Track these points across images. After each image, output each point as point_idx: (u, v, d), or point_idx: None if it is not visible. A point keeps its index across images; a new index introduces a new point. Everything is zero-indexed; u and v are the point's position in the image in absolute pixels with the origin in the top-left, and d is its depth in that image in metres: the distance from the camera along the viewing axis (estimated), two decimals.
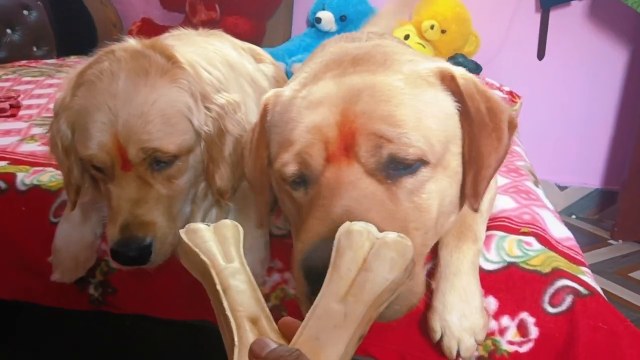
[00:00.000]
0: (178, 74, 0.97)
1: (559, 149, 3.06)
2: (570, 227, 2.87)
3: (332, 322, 0.52)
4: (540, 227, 1.09)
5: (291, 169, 0.80)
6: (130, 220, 0.93)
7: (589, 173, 3.11)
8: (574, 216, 3.10)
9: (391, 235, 0.57)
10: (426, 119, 0.79)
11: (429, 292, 0.93)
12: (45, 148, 1.46)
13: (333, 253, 0.57)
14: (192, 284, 1.10)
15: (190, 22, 3.28)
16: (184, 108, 0.97)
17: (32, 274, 1.20)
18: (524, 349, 0.96)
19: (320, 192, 0.76)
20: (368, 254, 0.55)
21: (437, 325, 0.91)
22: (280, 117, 0.87)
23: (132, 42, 1.02)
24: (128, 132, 0.92)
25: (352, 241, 0.56)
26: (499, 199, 1.17)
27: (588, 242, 2.79)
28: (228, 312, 0.56)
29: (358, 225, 0.58)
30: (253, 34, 3.37)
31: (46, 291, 1.18)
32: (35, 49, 3.40)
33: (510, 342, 0.96)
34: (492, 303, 0.98)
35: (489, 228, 1.06)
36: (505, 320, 0.97)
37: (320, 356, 0.50)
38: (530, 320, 0.96)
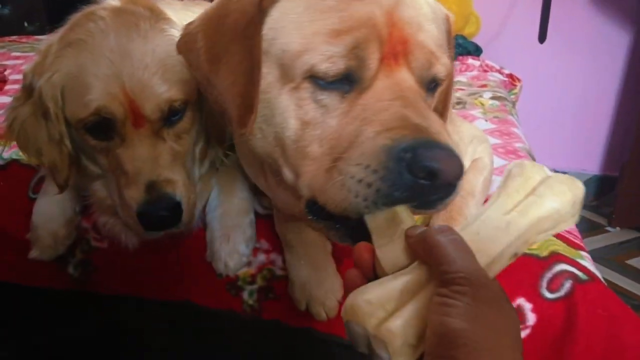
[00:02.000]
0: (167, 24, 0.94)
1: (557, 133, 3.03)
2: None
3: (494, 224, 0.54)
4: None
5: (340, 65, 0.65)
6: (155, 179, 0.87)
7: (587, 159, 3.09)
8: None
9: (562, 175, 0.58)
10: (444, 45, 0.75)
11: None
12: None
13: (503, 177, 0.58)
14: (175, 263, 1.08)
15: None
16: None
17: (12, 251, 1.16)
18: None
19: (379, 95, 0.65)
20: (538, 183, 0.56)
21: None
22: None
23: (109, 1, 0.96)
24: (139, 86, 0.86)
25: (524, 170, 0.57)
26: (495, 180, 1.12)
27: (586, 228, 2.77)
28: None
29: (529, 162, 0.59)
30: None
31: (27, 269, 1.14)
32: (26, 24, 3.33)
33: None
34: None
35: None
36: None
37: (476, 247, 0.53)
38: (527, 306, 0.93)
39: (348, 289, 0.58)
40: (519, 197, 0.56)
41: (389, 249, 0.57)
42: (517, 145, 1.44)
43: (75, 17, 0.94)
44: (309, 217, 0.69)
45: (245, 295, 1.04)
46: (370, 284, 0.54)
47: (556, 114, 3.02)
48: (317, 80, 0.66)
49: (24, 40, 2.97)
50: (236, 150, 0.94)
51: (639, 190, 2.72)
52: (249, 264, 1.03)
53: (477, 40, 2.83)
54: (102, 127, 0.88)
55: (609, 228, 2.80)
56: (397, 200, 0.59)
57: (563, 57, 2.93)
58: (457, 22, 2.92)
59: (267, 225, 1.04)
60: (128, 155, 0.87)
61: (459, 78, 2.46)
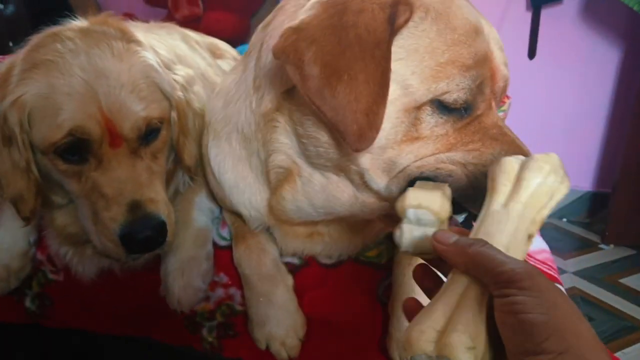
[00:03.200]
0: (138, 45, 0.91)
1: (549, 150, 2.95)
2: (561, 230, 2.82)
3: (496, 219, 0.58)
4: None
5: (467, 97, 0.72)
6: (139, 198, 0.83)
7: (579, 175, 3.04)
8: (564, 219, 3.03)
9: (536, 154, 0.62)
10: None
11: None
12: None
13: (488, 180, 0.62)
14: (134, 298, 1.03)
15: (172, 17, 3.19)
16: (154, 75, 0.90)
17: None
18: None
19: (489, 123, 0.76)
20: (518, 171, 0.60)
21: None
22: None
23: (75, 23, 0.92)
24: (116, 105, 0.83)
25: (503, 166, 0.60)
26: None
27: (578, 246, 2.72)
28: None
29: (506, 157, 0.62)
30: (237, 30, 3.28)
31: None
32: (11, 43, 3.30)
33: None
34: None
35: None
36: None
37: (492, 240, 0.56)
38: None
39: (408, 318, 0.61)
40: (508, 189, 0.59)
41: None
42: None
43: (36, 38, 0.90)
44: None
45: (204, 331, 0.99)
46: (417, 315, 0.57)
47: (547, 131, 2.98)
48: (443, 104, 0.71)
49: (6, 59, 2.94)
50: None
51: (633, 207, 2.68)
52: (206, 298, 0.98)
53: None
54: (75, 150, 0.83)
55: (602, 245, 2.75)
56: None
57: (553, 73, 2.90)
58: None
59: (226, 258, 0.99)
60: (107, 177, 0.83)
61: None
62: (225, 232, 1.03)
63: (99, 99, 0.82)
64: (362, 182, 0.77)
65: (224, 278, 0.99)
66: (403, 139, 0.72)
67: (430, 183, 0.68)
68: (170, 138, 0.94)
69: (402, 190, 0.67)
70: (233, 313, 0.99)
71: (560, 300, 0.50)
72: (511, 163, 0.61)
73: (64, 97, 0.81)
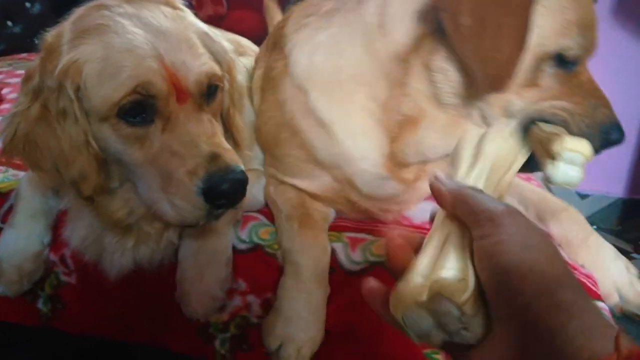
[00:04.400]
0: (183, 12, 0.86)
1: None
2: None
3: None
4: None
5: (579, 54, 0.84)
6: (216, 150, 0.77)
7: (611, 181, 2.95)
8: (595, 227, 2.89)
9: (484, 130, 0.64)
10: None
11: None
12: None
13: (452, 154, 0.63)
14: (144, 305, 0.99)
15: (196, 16, 3.18)
16: (206, 37, 0.85)
17: None
18: None
19: (588, 77, 0.88)
20: (478, 141, 0.62)
21: None
22: None
23: None
24: (178, 59, 0.77)
25: (465, 137, 0.63)
26: None
27: None
28: None
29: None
30: (260, 29, 3.25)
31: None
32: (37, 41, 3.33)
33: None
34: None
35: None
36: None
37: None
38: None
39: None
40: (469, 160, 0.60)
41: None
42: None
43: (79, 11, 0.84)
44: None
45: (217, 343, 0.95)
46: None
47: None
48: (561, 58, 0.82)
49: (32, 57, 2.95)
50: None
51: None
52: (222, 308, 0.93)
53: None
54: (140, 110, 0.77)
55: (635, 255, 2.65)
56: None
57: None
58: None
59: (245, 263, 0.95)
60: (177, 134, 0.77)
61: None
62: (244, 235, 0.98)
63: (160, 53, 0.76)
64: (481, 119, 0.86)
65: (242, 285, 0.95)
66: (524, 84, 0.83)
67: (550, 126, 0.78)
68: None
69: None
70: (248, 325, 0.94)
71: (539, 241, 0.49)
72: (472, 133, 0.62)
73: (124, 55, 0.75)
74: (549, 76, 0.83)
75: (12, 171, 1.18)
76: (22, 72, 2.51)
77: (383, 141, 0.94)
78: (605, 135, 0.85)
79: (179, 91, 0.77)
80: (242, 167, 0.78)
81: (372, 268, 0.92)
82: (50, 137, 0.79)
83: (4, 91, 2.04)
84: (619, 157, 2.92)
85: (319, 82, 0.96)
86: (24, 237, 1.00)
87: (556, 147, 0.72)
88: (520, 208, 1.08)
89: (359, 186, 0.98)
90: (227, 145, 0.81)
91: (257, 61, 1.18)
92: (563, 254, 1.02)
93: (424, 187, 1.00)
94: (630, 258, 2.61)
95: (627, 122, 2.91)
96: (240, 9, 3.39)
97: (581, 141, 0.71)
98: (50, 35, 0.82)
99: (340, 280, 0.92)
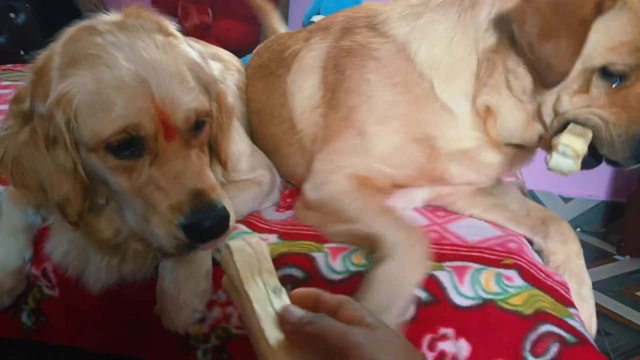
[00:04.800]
0: (175, 38, 0.87)
1: None
2: None
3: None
4: (525, 259, 0.97)
5: (626, 71, 0.96)
6: (200, 187, 0.78)
7: (594, 184, 2.97)
8: (578, 229, 2.96)
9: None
10: None
11: None
12: None
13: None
14: (125, 317, 1.00)
15: (182, 26, 3.19)
16: (196, 67, 0.86)
17: None
18: None
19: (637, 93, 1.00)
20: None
21: None
22: None
23: (107, 16, 0.87)
24: (169, 96, 0.78)
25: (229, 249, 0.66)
26: (482, 227, 1.09)
27: (593, 257, 2.65)
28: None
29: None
30: (247, 39, 3.27)
31: None
32: (22, 52, 3.32)
33: None
34: (464, 348, 0.86)
35: (464, 258, 0.94)
36: None
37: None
38: None
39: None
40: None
41: None
42: (508, 179, 1.36)
43: (70, 32, 0.84)
44: None
45: (199, 354, 0.96)
46: None
47: None
48: (606, 71, 0.96)
49: (18, 68, 2.95)
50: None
51: None
52: (201, 321, 0.94)
53: None
54: (128, 145, 0.78)
55: (618, 257, 2.68)
56: None
57: None
58: None
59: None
60: (164, 170, 0.79)
61: None
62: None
63: (151, 91, 0.77)
64: (537, 115, 1.03)
65: (222, 296, 0.95)
66: (575, 91, 0.98)
67: (579, 127, 0.97)
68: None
69: (557, 128, 1.00)
70: (228, 336, 0.95)
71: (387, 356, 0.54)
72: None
73: (115, 92, 0.76)
74: (597, 86, 0.97)
75: None
76: (7, 82, 2.50)
77: (477, 122, 1.08)
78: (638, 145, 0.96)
79: (167, 128, 0.78)
80: (226, 203, 0.80)
81: (353, 278, 0.93)
82: (38, 161, 0.81)
83: None
84: None
85: (441, 73, 1.08)
86: (4, 253, 1.00)
87: (555, 140, 0.93)
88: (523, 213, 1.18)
89: (462, 167, 1.10)
90: (213, 181, 0.82)
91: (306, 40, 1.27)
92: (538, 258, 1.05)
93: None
94: (613, 260, 2.64)
95: None
96: (226, 19, 3.41)
97: (576, 138, 0.92)
98: (40, 58, 0.83)
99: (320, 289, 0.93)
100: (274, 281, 0.64)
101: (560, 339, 0.84)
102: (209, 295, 0.94)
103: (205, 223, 0.77)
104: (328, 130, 1.15)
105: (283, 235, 1.01)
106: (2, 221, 1.01)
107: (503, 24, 1.02)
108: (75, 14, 3.07)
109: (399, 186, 1.11)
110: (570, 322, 0.86)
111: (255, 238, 0.67)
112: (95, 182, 0.84)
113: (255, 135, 1.37)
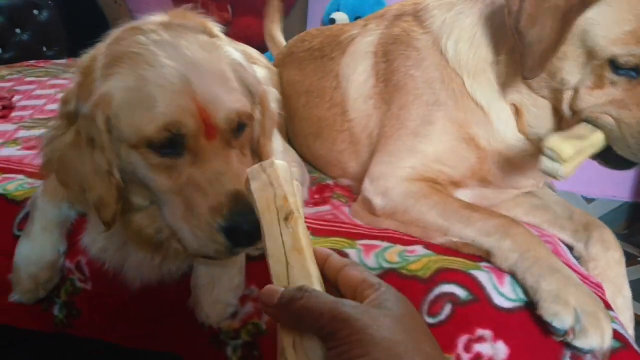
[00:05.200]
0: (219, 40, 0.87)
1: (588, 160, 2.90)
2: None
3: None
4: (561, 260, 0.93)
5: (635, 62, 0.91)
6: (240, 189, 0.75)
7: (618, 185, 2.95)
8: None
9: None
10: None
11: None
12: (26, 153, 1.38)
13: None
14: (158, 312, 1.01)
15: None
16: (240, 69, 0.86)
17: None
18: None
19: None
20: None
21: None
22: None
23: (153, 18, 0.87)
24: (211, 95, 0.78)
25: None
26: None
27: None
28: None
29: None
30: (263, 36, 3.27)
31: (9, 309, 1.07)
32: (45, 49, 3.36)
33: None
34: (501, 350, 0.84)
35: None
36: None
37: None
38: None
39: None
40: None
41: None
42: None
43: (116, 33, 0.85)
44: None
45: (229, 350, 0.96)
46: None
47: None
48: (615, 64, 0.91)
49: (41, 64, 2.98)
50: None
51: None
52: (234, 315, 0.94)
53: None
54: (169, 144, 0.78)
55: None
56: None
57: None
58: None
59: (259, 270, 0.95)
60: (204, 170, 0.78)
61: None
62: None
63: (193, 89, 0.76)
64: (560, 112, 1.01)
65: (255, 291, 0.96)
66: (590, 87, 0.94)
67: (589, 127, 0.96)
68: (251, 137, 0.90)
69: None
70: (259, 332, 0.95)
71: (386, 334, 0.49)
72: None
73: (157, 89, 0.76)
74: (611, 82, 0.93)
75: (27, 180, 1.20)
76: (31, 79, 2.53)
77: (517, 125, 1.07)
78: None
79: (209, 128, 0.78)
80: None
81: (386, 275, 0.92)
82: (80, 162, 0.82)
83: (15, 99, 2.06)
84: None
85: (469, 70, 1.07)
86: (40, 247, 1.01)
87: (544, 143, 0.90)
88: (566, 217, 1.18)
89: (505, 169, 1.09)
90: None
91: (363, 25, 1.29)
92: (572, 259, 1.04)
93: None
94: (637, 262, 2.61)
95: None
96: (246, 16, 3.41)
97: (564, 141, 0.89)
98: (87, 57, 0.84)
99: None
100: (287, 207, 0.60)
101: (453, 298, 0.86)
102: (242, 290, 0.94)
103: (245, 227, 0.74)
104: (383, 129, 1.15)
105: (315, 232, 1.01)
106: (37, 216, 1.02)
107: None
108: (97, 11, 3.11)
109: (456, 184, 1.11)
110: (475, 273, 0.90)
111: (269, 161, 0.64)
112: (135, 183, 0.84)
113: (296, 117, 1.38)
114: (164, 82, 0.76)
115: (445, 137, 1.08)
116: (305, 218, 1.06)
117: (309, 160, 1.41)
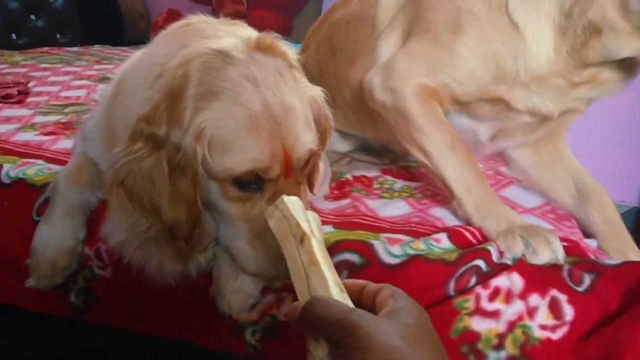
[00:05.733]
0: (297, 71, 0.89)
1: (593, 162, 2.87)
2: None
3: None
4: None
5: None
6: None
7: (626, 189, 2.93)
8: None
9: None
10: None
11: None
12: (44, 139, 1.39)
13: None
14: (178, 300, 1.01)
15: (216, 14, 3.20)
16: (316, 107, 0.91)
17: (14, 274, 1.10)
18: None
19: None
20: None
21: None
22: None
23: (241, 41, 0.86)
24: (293, 139, 0.82)
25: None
26: None
27: None
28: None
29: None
30: (280, 29, 3.26)
31: (25, 293, 1.07)
32: (59, 35, 3.37)
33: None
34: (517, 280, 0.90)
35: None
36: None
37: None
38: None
39: None
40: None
41: None
42: None
43: (203, 52, 0.82)
44: None
45: (247, 334, 0.97)
46: None
47: (590, 143, 2.87)
48: None
49: (54, 51, 2.99)
50: None
51: None
52: (253, 306, 0.94)
53: None
54: (251, 182, 0.82)
55: None
56: None
57: None
58: None
59: None
60: None
61: None
62: None
63: (281, 134, 0.80)
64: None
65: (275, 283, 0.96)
66: None
67: None
68: None
69: None
70: (277, 322, 0.95)
71: (386, 341, 0.52)
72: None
73: (248, 132, 0.79)
74: None
75: (47, 165, 1.21)
76: (45, 65, 2.53)
77: (559, 44, 1.03)
78: None
79: (288, 168, 0.82)
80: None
81: (411, 260, 0.91)
82: (161, 186, 0.81)
83: (30, 84, 2.07)
84: (633, 165, 2.90)
85: None
86: (59, 233, 1.01)
87: None
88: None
89: (526, 90, 1.08)
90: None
91: None
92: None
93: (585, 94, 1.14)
94: None
95: None
96: (260, 8, 3.41)
97: None
98: (172, 75, 0.82)
99: (377, 273, 0.93)
100: (300, 231, 0.66)
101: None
102: (264, 281, 0.94)
103: None
104: (407, 25, 1.15)
105: (338, 225, 1.01)
106: (58, 200, 1.02)
107: None
108: (112, 1, 3.10)
109: (457, 103, 1.11)
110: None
111: (280, 199, 0.71)
112: (208, 202, 0.86)
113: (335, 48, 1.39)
114: (256, 127, 0.79)
115: (464, 50, 1.06)
116: (326, 213, 1.07)
117: (347, 100, 1.38)
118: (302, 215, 0.69)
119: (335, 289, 0.62)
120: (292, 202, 0.70)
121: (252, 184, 0.82)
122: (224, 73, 0.80)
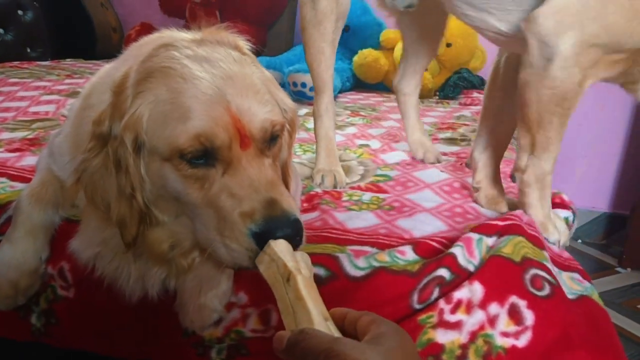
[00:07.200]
0: (251, 56, 0.87)
1: (566, 169, 2.94)
2: (576, 252, 2.77)
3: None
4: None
5: None
6: (273, 196, 0.77)
7: (597, 196, 3.00)
8: (579, 241, 2.98)
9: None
10: None
11: None
12: (9, 155, 1.36)
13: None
14: (142, 319, 0.99)
15: (189, 27, 3.20)
16: (271, 86, 0.87)
17: None
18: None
19: None
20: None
21: None
22: None
23: (185, 35, 0.88)
24: (244, 105, 0.78)
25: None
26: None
27: (594, 268, 2.67)
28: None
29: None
30: (254, 42, 3.26)
31: None
32: (29, 50, 3.32)
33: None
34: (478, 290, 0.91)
35: None
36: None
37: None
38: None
39: None
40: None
41: None
42: None
43: (147, 49, 0.84)
44: None
45: (213, 353, 0.95)
46: None
47: (566, 151, 2.94)
48: None
49: (25, 65, 2.96)
50: None
51: None
52: (218, 322, 0.93)
53: (483, 73, 2.78)
54: (202, 155, 0.78)
55: (619, 269, 2.69)
56: None
57: None
58: (462, 55, 2.89)
59: (247, 277, 0.94)
60: (238, 178, 0.78)
61: (463, 112, 2.40)
62: None
63: (227, 100, 0.76)
64: None
65: (243, 298, 0.95)
66: None
67: None
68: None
69: None
70: (243, 338, 0.95)
71: None
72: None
73: (189, 101, 0.76)
74: None
75: (10, 182, 1.19)
76: (14, 80, 2.49)
77: None
78: None
79: (243, 137, 0.78)
80: (298, 214, 0.79)
81: (376, 272, 0.92)
82: (106, 182, 0.82)
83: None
84: (604, 172, 2.97)
85: None
86: (22, 253, 0.99)
87: None
88: None
89: None
90: (285, 191, 0.81)
91: None
92: None
93: None
94: (614, 272, 2.65)
95: (613, 140, 2.95)
96: (233, 22, 3.42)
97: None
98: (119, 76, 0.83)
99: (343, 286, 0.93)
100: (286, 271, 0.69)
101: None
102: (229, 297, 0.94)
103: (277, 233, 0.74)
104: None
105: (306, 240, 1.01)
106: (21, 219, 1.00)
107: None
108: (83, 14, 3.08)
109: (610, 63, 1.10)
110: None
111: (267, 244, 0.73)
112: (163, 198, 0.83)
113: None
114: (197, 94, 0.76)
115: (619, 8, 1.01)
116: None
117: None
118: (289, 256, 0.71)
119: (319, 319, 0.65)
120: (278, 245, 0.72)
121: (202, 158, 0.78)
122: (165, 56, 0.80)
